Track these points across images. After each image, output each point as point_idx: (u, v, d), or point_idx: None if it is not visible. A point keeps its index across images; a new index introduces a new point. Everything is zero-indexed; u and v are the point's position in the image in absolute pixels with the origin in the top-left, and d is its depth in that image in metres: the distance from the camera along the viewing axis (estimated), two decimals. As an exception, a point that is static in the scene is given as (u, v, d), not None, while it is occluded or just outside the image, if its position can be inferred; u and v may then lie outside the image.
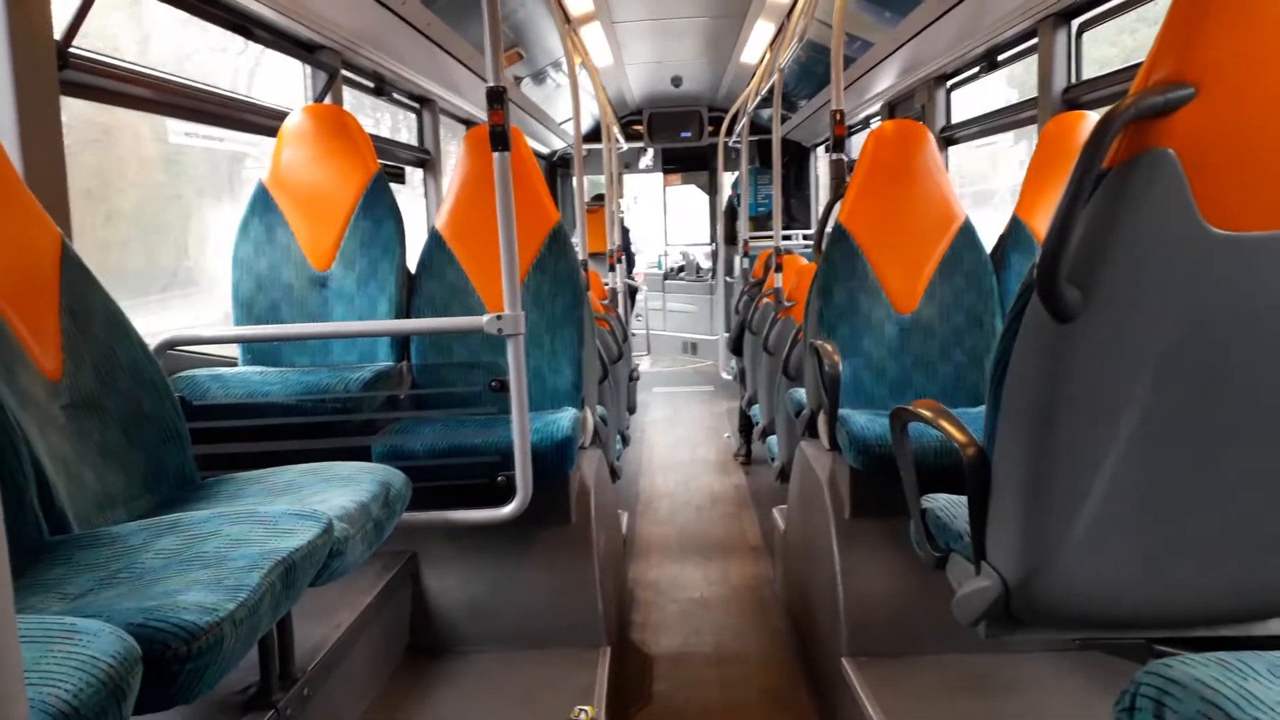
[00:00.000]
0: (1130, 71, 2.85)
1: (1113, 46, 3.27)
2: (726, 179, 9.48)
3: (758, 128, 8.34)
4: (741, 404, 5.53)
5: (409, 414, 2.68)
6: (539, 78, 6.32)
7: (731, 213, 9.22)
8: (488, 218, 2.24)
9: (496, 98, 2.08)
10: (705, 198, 10.40)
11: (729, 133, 8.11)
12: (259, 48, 3.05)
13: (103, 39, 2.42)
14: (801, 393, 3.08)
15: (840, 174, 3.12)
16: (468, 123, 5.52)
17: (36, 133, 1.89)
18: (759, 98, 6.39)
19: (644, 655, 2.86)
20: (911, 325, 2.69)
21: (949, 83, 4.49)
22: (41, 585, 1.23)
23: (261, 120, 3.03)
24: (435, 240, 2.87)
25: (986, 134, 4.21)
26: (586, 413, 2.81)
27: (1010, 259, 2.84)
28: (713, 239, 9.97)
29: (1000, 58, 3.88)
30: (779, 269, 4.80)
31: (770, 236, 5.49)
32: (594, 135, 8.45)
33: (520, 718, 2.11)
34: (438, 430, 2.44)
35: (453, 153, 5.10)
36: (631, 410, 5.44)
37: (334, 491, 1.70)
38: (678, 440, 6.18)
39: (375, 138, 3.35)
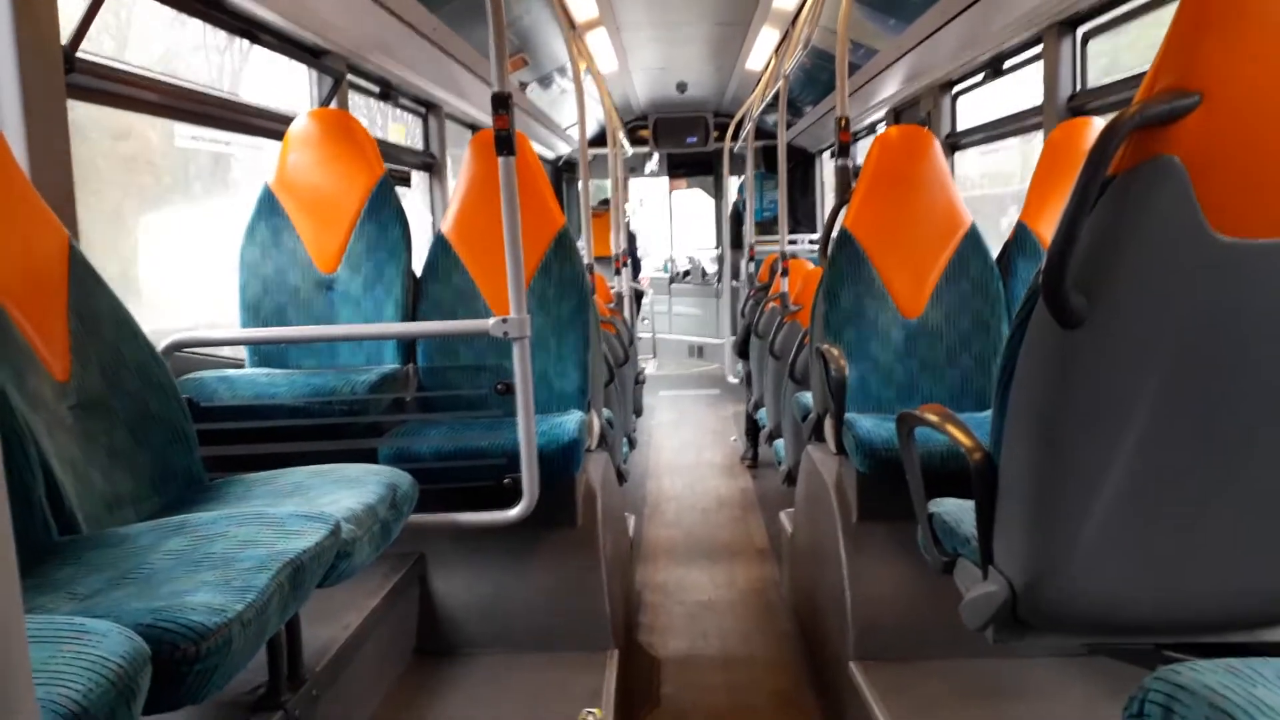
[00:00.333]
0: (1135, 79, 2.86)
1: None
2: (732, 184, 9.48)
3: (763, 133, 8.35)
4: (748, 408, 5.53)
5: (415, 416, 2.69)
6: (544, 83, 6.33)
7: (737, 217, 9.23)
8: (493, 222, 2.25)
9: (502, 103, 2.09)
10: (711, 202, 10.41)
11: (735, 138, 8.12)
12: (244, 45, 3.03)
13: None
14: (808, 396, 3.08)
15: (846, 179, 3.12)
16: (473, 127, 5.54)
17: (43, 135, 1.90)
18: (764, 104, 6.40)
19: (651, 658, 2.86)
20: (918, 330, 2.69)
21: (954, 89, 4.49)
22: (50, 585, 1.23)
23: (268, 124, 3.04)
24: (441, 244, 2.88)
25: (992, 140, 4.21)
26: (593, 416, 2.82)
27: (1016, 265, 2.84)
28: (718, 243, 9.98)
29: (1005, 65, 3.88)
30: (785, 273, 4.80)
31: (776, 241, 5.49)
32: (599, 140, 8.47)
33: None
34: (444, 433, 2.45)
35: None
36: (638, 413, 5.44)
37: (341, 493, 1.71)
38: (684, 444, 6.18)
39: (381, 142, 3.36)
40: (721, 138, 8.84)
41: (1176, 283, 1.07)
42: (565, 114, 7.52)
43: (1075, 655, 2.13)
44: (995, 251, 2.83)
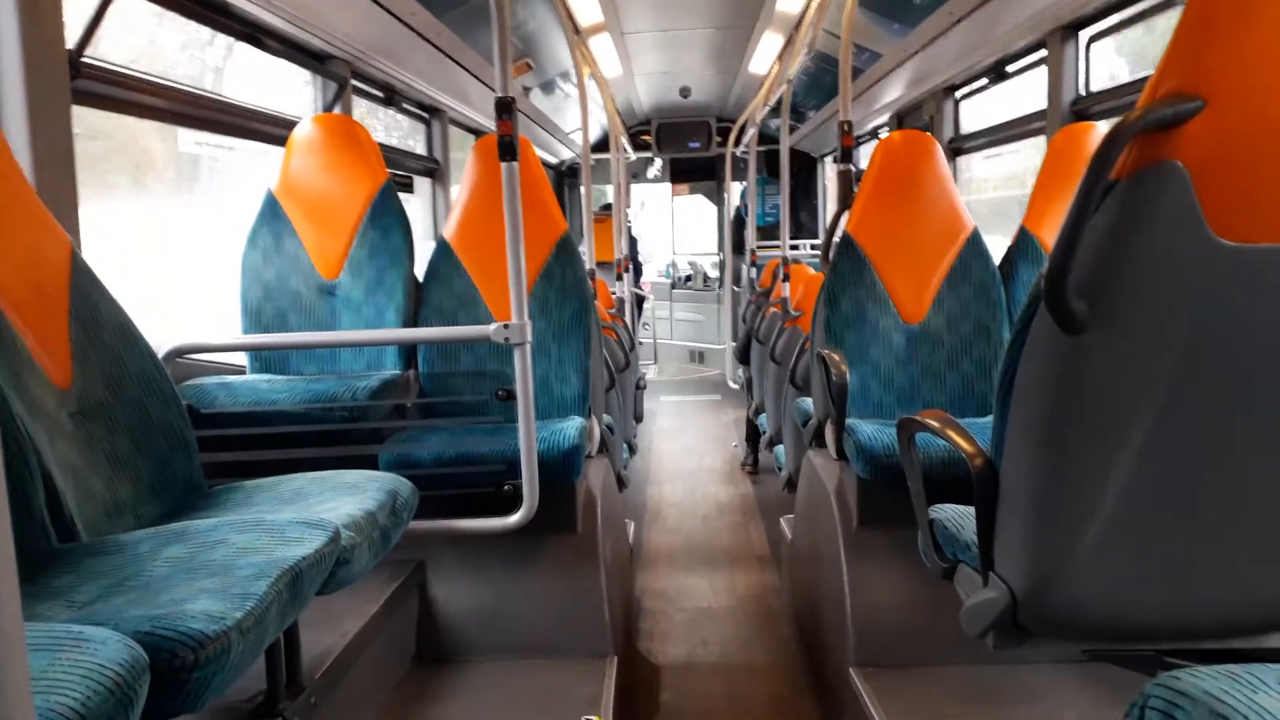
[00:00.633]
0: (1139, 84, 2.85)
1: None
2: (734, 189, 9.49)
3: (766, 138, 8.36)
4: (748, 413, 5.52)
5: (416, 422, 2.68)
6: (548, 88, 6.34)
7: (739, 222, 9.23)
8: (495, 227, 2.25)
9: (505, 108, 2.09)
10: (713, 207, 10.42)
11: (737, 143, 8.13)
12: (227, 40, 3.01)
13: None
14: (809, 402, 3.08)
15: (848, 184, 3.12)
16: (476, 132, 5.55)
17: (48, 141, 1.90)
18: (767, 108, 6.40)
19: (651, 665, 2.86)
20: (919, 335, 2.68)
21: (957, 94, 4.49)
22: (49, 593, 1.23)
23: (272, 129, 3.05)
24: (443, 249, 2.88)
25: (995, 145, 4.21)
26: (593, 421, 2.81)
27: (1018, 270, 2.84)
28: (720, 248, 9.97)
29: (1009, 69, 3.88)
30: (786, 278, 4.80)
31: (778, 246, 5.50)
32: (602, 145, 8.48)
33: None
34: (445, 439, 2.45)
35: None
36: (638, 419, 5.43)
37: (341, 500, 1.70)
38: (685, 449, 6.17)
39: (384, 147, 3.37)
40: (724, 142, 8.84)
41: (1179, 288, 1.07)
42: (568, 119, 7.53)
43: (1076, 661, 2.12)
44: (998, 257, 2.83)
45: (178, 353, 2.23)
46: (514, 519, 2.26)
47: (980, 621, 1.34)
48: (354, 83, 3.59)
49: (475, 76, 4.67)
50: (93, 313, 1.75)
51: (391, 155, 4.08)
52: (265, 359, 2.72)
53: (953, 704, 2.05)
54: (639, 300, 9.20)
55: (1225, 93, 1.01)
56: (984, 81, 4.15)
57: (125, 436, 1.74)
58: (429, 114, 4.76)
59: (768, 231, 9.20)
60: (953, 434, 1.41)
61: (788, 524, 3.41)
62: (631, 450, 4.70)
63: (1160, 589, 1.21)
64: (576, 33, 4.96)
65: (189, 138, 2.92)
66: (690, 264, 10.63)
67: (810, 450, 2.89)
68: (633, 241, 10.00)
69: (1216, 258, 1.04)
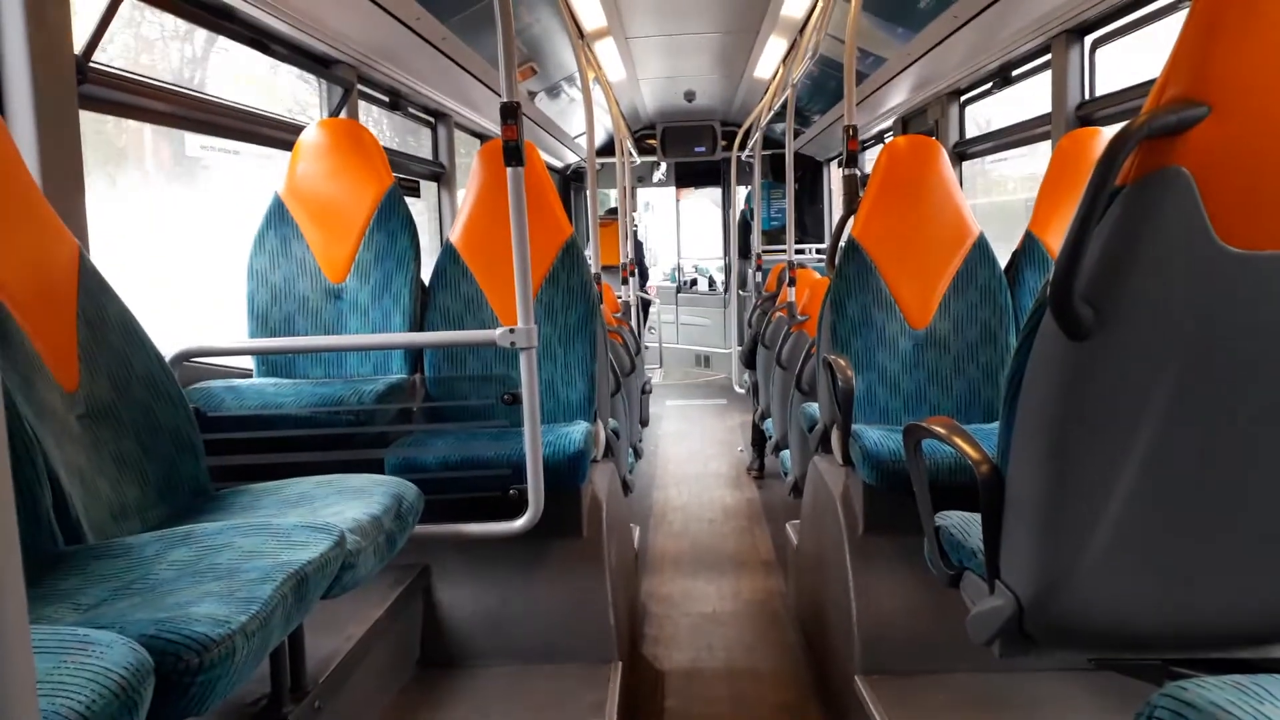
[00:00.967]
0: (1144, 88, 2.85)
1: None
2: (740, 193, 9.49)
3: (771, 142, 8.36)
4: (754, 418, 5.52)
5: (422, 426, 2.69)
6: (553, 92, 6.36)
7: (745, 226, 9.24)
8: (501, 231, 2.25)
9: (510, 113, 2.10)
10: (718, 211, 10.42)
11: (742, 147, 8.13)
12: (204, 34, 2.99)
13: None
14: (815, 407, 3.08)
15: (853, 189, 3.12)
16: (482, 136, 5.56)
17: (55, 145, 1.91)
18: (772, 112, 6.40)
19: (656, 670, 2.85)
20: (925, 340, 2.68)
21: (962, 98, 4.49)
22: (55, 595, 1.23)
23: (278, 134, 3.06)
24: (449, 253, 2.88)
25: (1000, 149, 4.20)
26: (599, 426, 2.81)
27: (1024, 275, 2.83)
28: (726, 253, 9.98)
29: (1014, 73, 3.88)
30: (792, 283, 4.80)
31: (783, 250, 5.50)
32: (607, 149, 8.49)
33: None
34: (450, 443, 2.45)
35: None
36: (644, 423, 5.43)
37: (347, 504, 1.71)
38: (690, 454, 6.17)
39: (390, 151, 3.38)
40: (729, 147, 8.85)
41: (1185, 294, 1.07)
42: (573, 123, 7.54)
43: (1082, 670, 2.12)
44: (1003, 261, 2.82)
45: (185, 356, 2.24)
46: (519, 523, 2.26)
47: (986, 629, 1.34)
48: (360, 87, 3.60)
49: (480, 81, 4.68)
50: (100, 316, 1.76)
51: (397, 159, 4.09)
52: (272, 362, 2.73)
53: (958, 711, 2.05)
54: (644, 304, 9.21)
55: (1230, 99, 1.01)
56: (989, 86, 4.15)
57: (132, 439, 1.74)
58: (435, 118, 4.77)
59: (773, 235, 9.20)
60: (959, 440, 1.41)
61: (793, 529, 3.40)
62: (637, 455, 4.70)
63: (1167, 598, 1.21)
64: (581, 37, 4.97)
65: (195, 141, 2.93)
66: (695, 268, 10.64)
67: (816, 455, 2.88)
68: (638, 246, 10.01)
69: (1222, 264, 1.04)
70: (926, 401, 2.67)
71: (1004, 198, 5.32)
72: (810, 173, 9.24)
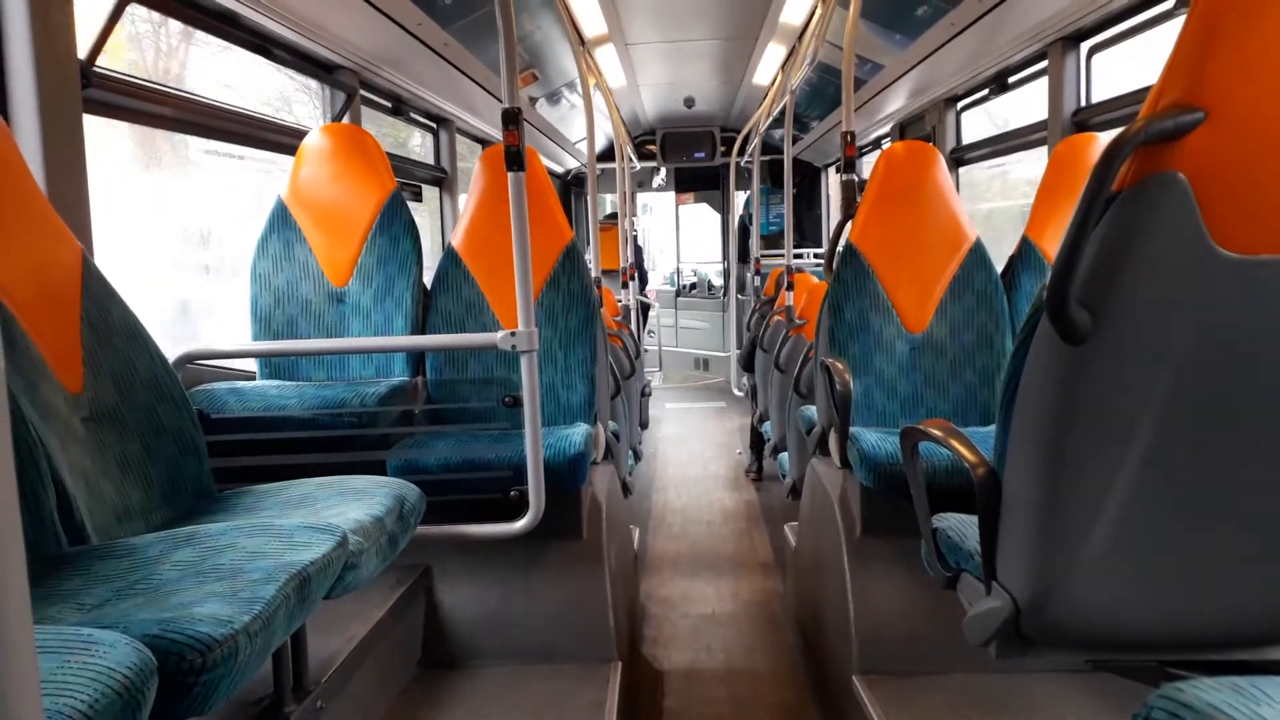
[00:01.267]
0: (1140, 94, 2.87)
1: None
2: (739, 198, 9.51)
3: (769, 148, 8.38)
4: (753, 420, 5.53)
5: (424, 429, 2.70)
6: (554, 98, 6.37)
7: (744, 231, 9.25)
8: (503, 235, 2.27)
9: (512, 119, 2.11)
10: (718, 216, 10.44)
11: (741, 153, 8.15)
12: (179, 25, 2.94)
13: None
14: (813, 410, 3.09)
15: (851, 194, 3.13)
16: (484, 142, 5.57)
17: (60, 149, 1.92)
18: (771, 118, 6.42)
19: (655, 671, 2.86)
20: (922, 344, 2.69)
21: (959, 104, 4.51)
22: (59, 596, 1.24)
23: (282, 139, 3.07)
24: (451, 257, 2.90)
25: (997, 155, 4.22)
26: (599, 428, 2.82)
27: (1020, 279, 2.85)
28: (725, 257, 9.99)
29: (1011, 80, 3.90)
30: (790, 287, 4.81)
31: (782, 255, 5.51)
32: (608, 155, 8.50)
33: None
34: (452, 445, 2.46)
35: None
36: (644, 426, 5.44)
37: (349, 505, 1.72)
38: (690, 456, 6.17)
39: (392, 156, 3.39)
40: (728, 152, 8.86)
41: (1181, 299, 1.08)
42: (574, 129, 7.55)
43: (1078, 671, 2.12)
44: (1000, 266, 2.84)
45: (188, 358, 2.25)
46: (520, 525, 2.27)
47: (983, 631, 1.35)
48: (362, 93, 3.61)
49: (482, 87, 4.70)
50: (104, 318, 1.77)
51: (400, 164, 4.10)
52: (275, 365, 2.74)
53: (955, 712, 2.06)
54: (644, 308, 9.22)
55: (1227, 104, 1.02)
56: (986, 92, 4.17)
57: (136, 441, 1.75)
58: (436, 124, 4.78)
59: (772, 240, 9.22)
60: (956, 443, 1.42)
61: (791, 531, 3.41)
62: (637, 457, 4.70)
63: (1163, 599, 1.22)
64: (582, 43, 4.99)
65: (199, 145, 2.94)
66: (695, 272, 10.65)
67: (814, 458, 2.90)
68: (638, 250, 10.02)
69: (1218, 269, 1.05)
70: (923, 405, 2.68)
71: (1025, 202, 5.34)
72: (808, 178, 9.26)
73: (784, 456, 4.16)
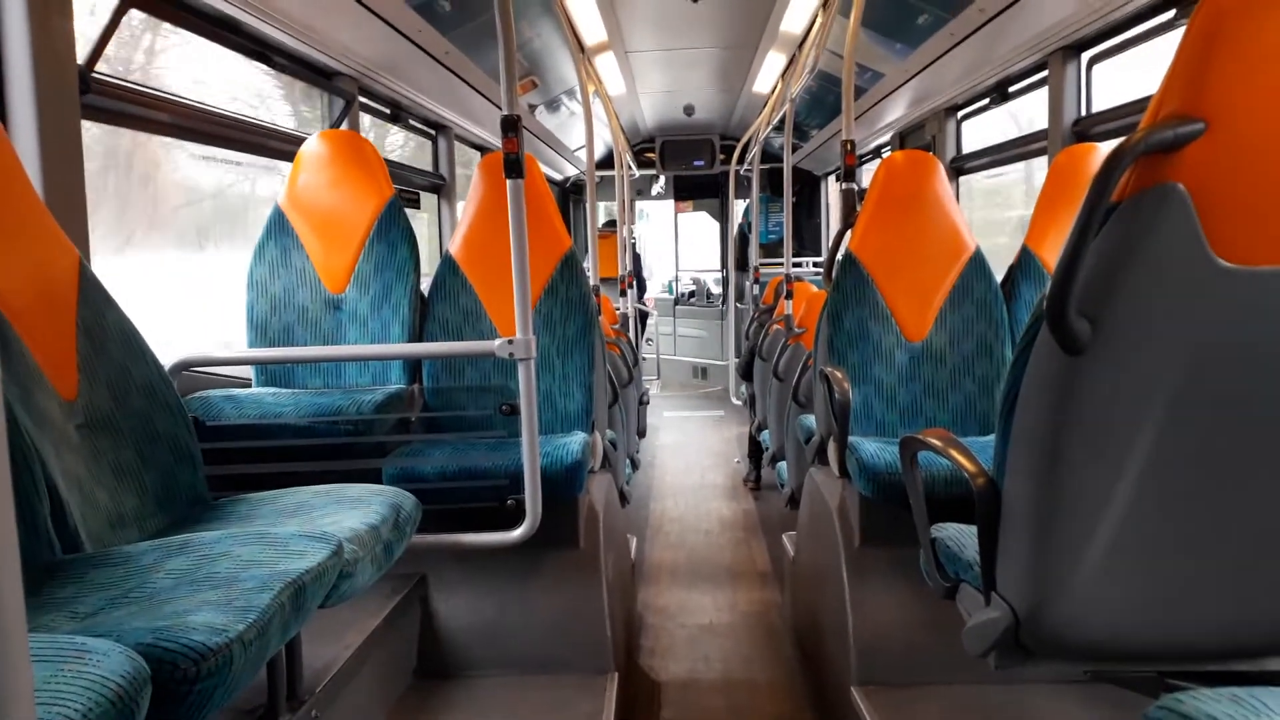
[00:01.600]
0: (1140, 105, 2.87)
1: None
2: (738, 206, 9.53)
3: (769, 156, 8.40)
4: (751, 429, 5.52)
5: (420, 436, 2.69)
6: (553, 105, 6.38)
7: (743, 239, 9.26)
8: (501, 243, 2.26)
9: (511, 126, 2.11)
10: (716, 224, 10.45)
11: (740, 161, 8.16)
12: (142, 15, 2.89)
13: None
14: (811, 419, 3.08)
15: (851, 203, 3.14)
16: (482, 149, 5.58)
17: (58, 155, 1.92)
18: (770, 127, 6.43)
19: (652, 681, 2.85)
20: (921, 353, 2.69)
21: (959, 113, 4.52)
22: (53, 604, 1.23)
23: (280, 145, 3.07)
24: (449, 264, 2.89)
25: (997, 164, 4.23)
26: (596, 437, 2.82)
27: (1020, 289, 2.84)
28: (723, 265, 10.00)
29: (1011, 89, 3.91)
30: (789, 296, 4.81)
31: (781, 263, 5.51)
32: (607, 162, 8.52)
33: None
34: (448, 453, 2.45)
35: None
36: (641, 434, 5.44)
37: (345, 513, 1.71)
38: (687, 465, 6.17)
39: (390, 163, 3.39)
40: (728, 160, 8.88)
41: (1180, 309, 1.08)
42: (573, 136, 7.57)
43: (1078, 682, 2.12)
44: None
45: (184, 365, 2.24)
46: (516, 534, 2.26)
47: (982, 641, 1.34)
48: (361, 99, 3.62)
49: (481, 94, 4.70)
50: (100, 325, 1.76)
51: (398, 171, 4.11)
52: (271, 372, 2.73)
53: None
54: (642, 316, 9.22)
55: (1226, 115, 1.02)
56: (986, 102, 4.18)
57: (131, 448, 1.75)
58: (435, 130, 4.79)
59: (771, 249, 9.23)
60: (955, 453, 1.41)
61: (790, 541, 3.40)
62: (634, 465, 4.69)
63: (1162, 609, 1.21)
64: (582, 51, 5.00)
65: (198, 152, 2.94)
66: (694, 280, 10.66)
67: (813, 467, 2.89)
68: (636, 258, 10.03)
69: (1218, 280, 1.05)
70: (922, 414, 2.68)
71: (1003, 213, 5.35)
72: (808, 187, 9.28)
73: (782, 465, 4.15)
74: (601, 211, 10.44)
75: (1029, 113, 4.12)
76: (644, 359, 7.49)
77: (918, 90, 4.66)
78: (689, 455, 6.49)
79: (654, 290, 11.11)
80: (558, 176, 8.92)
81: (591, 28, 4.93)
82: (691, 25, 5.21)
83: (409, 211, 2.97)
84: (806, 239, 9.37)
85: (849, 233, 2.86)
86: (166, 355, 2.03)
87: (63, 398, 1.62)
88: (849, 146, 3.11)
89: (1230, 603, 1.21)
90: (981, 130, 4.46)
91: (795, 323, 4.60)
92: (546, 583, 2.48)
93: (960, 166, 4.48)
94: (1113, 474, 1.14)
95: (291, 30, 2.87)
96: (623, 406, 3.93)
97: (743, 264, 9.06)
